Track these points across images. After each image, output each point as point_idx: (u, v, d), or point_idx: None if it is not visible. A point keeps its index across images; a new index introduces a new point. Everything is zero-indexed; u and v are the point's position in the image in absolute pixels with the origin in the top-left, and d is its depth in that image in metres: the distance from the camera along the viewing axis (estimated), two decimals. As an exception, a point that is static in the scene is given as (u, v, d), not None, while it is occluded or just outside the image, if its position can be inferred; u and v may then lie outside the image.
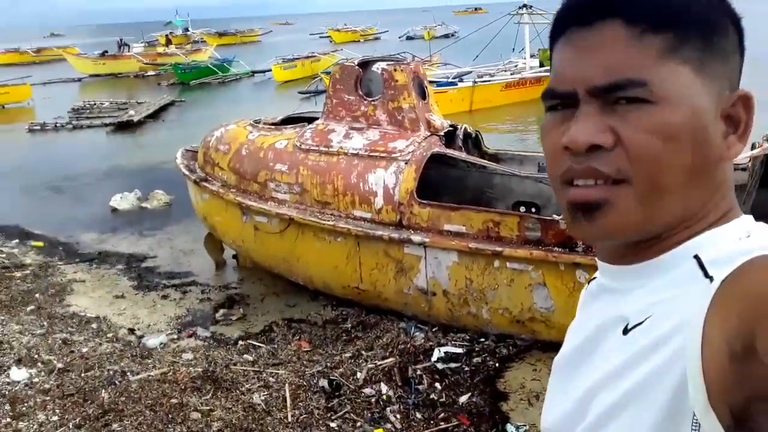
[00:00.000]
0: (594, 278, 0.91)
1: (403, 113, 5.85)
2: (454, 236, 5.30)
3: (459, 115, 15.10)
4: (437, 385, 4.99)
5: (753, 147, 5.92)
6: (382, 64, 5.96)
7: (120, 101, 22.57)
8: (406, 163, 5.55)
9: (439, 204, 5.42)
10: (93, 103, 22.23)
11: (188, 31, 52.09)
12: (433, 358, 5.30)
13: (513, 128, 16.34)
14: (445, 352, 5.38)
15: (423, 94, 6.06)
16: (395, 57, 6.60)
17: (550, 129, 0.81)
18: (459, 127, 6.42)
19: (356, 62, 6.16)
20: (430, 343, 5.49)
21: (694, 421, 0.67)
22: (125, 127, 18.34)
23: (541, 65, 20.27)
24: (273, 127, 6.60)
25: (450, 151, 5.89)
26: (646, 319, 0.75)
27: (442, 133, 5.96)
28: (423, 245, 5.36)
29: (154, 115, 20.02)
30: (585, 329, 0.86)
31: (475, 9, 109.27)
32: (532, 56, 20.58)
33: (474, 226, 5.23)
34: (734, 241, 0.75)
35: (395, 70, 5.86)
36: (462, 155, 6.06)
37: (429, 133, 5.83)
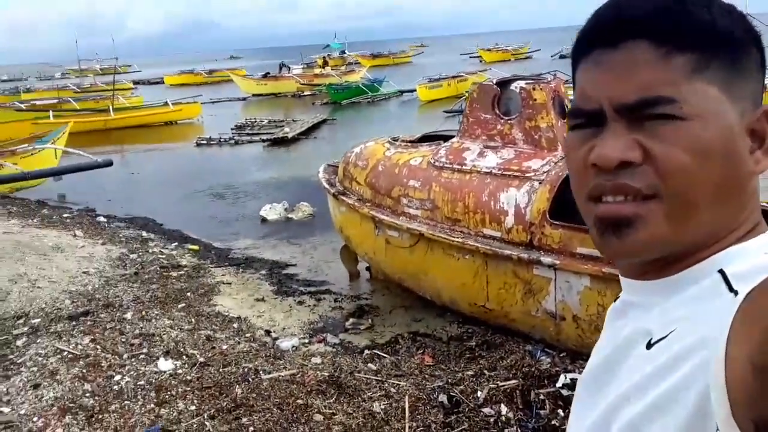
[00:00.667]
0: (619, 296, 0.91)
1: (541, 132, 5.77)
2: (586, 260, 5.12)
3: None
4: (560, 411, 4.83)
5: None
6: (521, 83, 5.92)
7: (278, 119, 24.03)
8: (540, 183, 5.46)
9: (572, 225, 5.27)
10: (254, 120, 23.85)
11: (344, 53, 54.46)
12: (559, 384, 5.13)
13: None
14: (571, 379, 5.19)
15: (563, 113, 5.94)
16: (537, 76, 6.52)
17: (575, 147, 0.82)
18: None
19: (495, 81, 6.16)
20: (557, 369, 5.32)
21: None
22: (280, 142, 19.48)
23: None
24: (410, 144, 6.75)
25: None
26: (669, 334, 0.75)
27: (579, 154, 5.80)
28: (553, 267, 5.23)
29: (307, 132, 21.09)
30: (610, 345, 0.87)
31: None
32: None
33: (607, 250, 5.03)
34: (761, 255, 0.74)
35: (534, 89, 5.80)
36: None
37: (566, 153, 5.69)
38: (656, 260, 0.80)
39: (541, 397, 5.00)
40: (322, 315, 6.88)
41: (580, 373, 5.05)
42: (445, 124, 17.49)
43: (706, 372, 0.67)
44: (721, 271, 0.74)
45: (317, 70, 40.96)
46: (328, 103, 30.37)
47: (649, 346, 0.77)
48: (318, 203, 10.83)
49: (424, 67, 50.08)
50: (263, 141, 20.03)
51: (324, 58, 47.64)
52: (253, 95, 37.55)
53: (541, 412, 4.86)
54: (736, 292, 0.69)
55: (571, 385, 5.12)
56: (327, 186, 7.23)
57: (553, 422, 4.71)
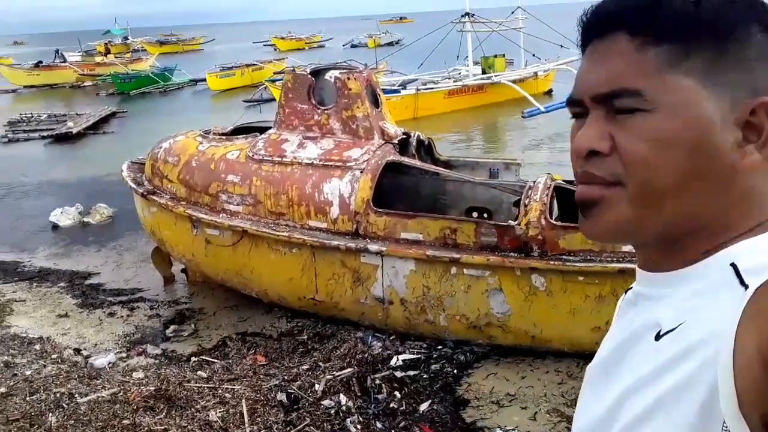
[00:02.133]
0: (631, 287, 0.91)
1: (357, 122, 5.82)
2: (411, 244, 5.28)
3: (404, 122, 15.15)
4: (397, 393, 4.96)
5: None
6: (335, 73, 5.92)
7: (58, 113, 21.84)
8: (361, 172, 5.51)
9: (395, 212, 5.40)
10: (30, 115, 21.42)
11: (128, 39, 50.95)
12: (390, 366, 5.26)
13: (457, 135, 16.52)
14: (403, 360, 5.35)
15: (376, 103, 6.04)
16: (347, 65, 6.56)
17: (572, 134, 0.84)
18: (412, 134, 6.42)
19: (308, 71, 6.09)
20: (388, 352, 5.45)
21: (724, 427, 0.67)
22: (64, 139, 17.75)
23: (483, 72, 20.62)
24: (224, 137, 6.46)
25: (405, 159, 5.88)
26: (678, 326, 0.75)
27: (396, 141, 5.95)
28: (380, 254, 5.33)
29: (95, 127, 19.44)
30: (619, 336, 0.86)
31: (400, 18, 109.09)
32: (475, 63, 20.89)
33: (431, 233, 5.23)
34: None
35: (348, 78, 5.83)
36: (417, 163, 6.06)
37: (383, 142, 5.81)
38: (661, 251, 0.81)
39: (377, 381, 5.09)
40: (138, 325, 6.39)
41: (410, 353, 5.23)
42: (247, 114, 17.10)
43: (714, 365, 0.67)
44: (733, 265, 0.74)
45: (99, 59, 37.86)
46: (114, 93, 28.26)
47: (658, 337, 0.77)
48: (117, 204, 10.03)
49: (216, 55, 48.54)
50: (44, 138, 18.11)
51: (106, 45, 44.20)
52: (25, 87, 33.76)
53: (379, 396, 4.95)
54: (747, 286, 0.69)
55: (404, 366, 5.28)
56: (134, 185, 6.69)
57: (391, 405, 4.82)
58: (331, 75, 5.94)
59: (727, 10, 0.76)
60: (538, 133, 15.91)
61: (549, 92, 21.28)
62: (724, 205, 0.78)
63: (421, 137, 6.56)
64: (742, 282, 0.71)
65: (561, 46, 20.84)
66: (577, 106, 0.83)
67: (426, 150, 6.64)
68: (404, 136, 6.23)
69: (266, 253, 5.79)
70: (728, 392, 0.65)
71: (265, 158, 5.87)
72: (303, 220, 5.62)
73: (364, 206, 5.40)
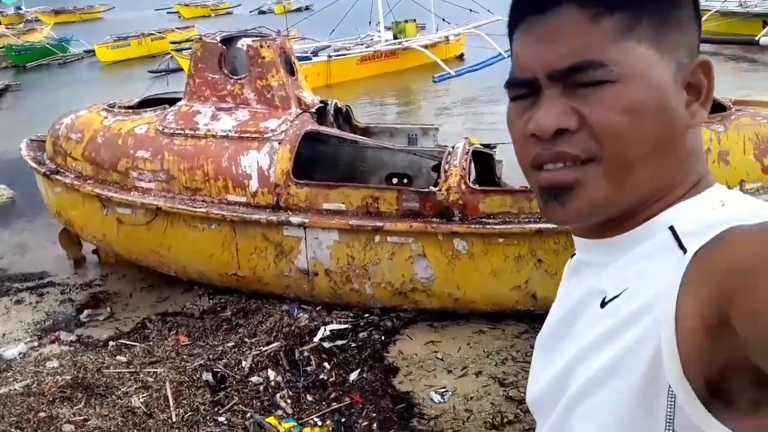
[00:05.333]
0: (574, 254, 0.91)
1: (273, 91, 5.65)
2: (333, 215, 5.22)
3: (317, 89, 14.91)
4: (326, 365, 4.94)
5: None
6: (247, 40, 5.70)
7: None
8: (279, 143, 5.37)
9: (316, 183, 5.31)
10: None
11: (20, 9, 47.63)
12: (317, 338, 5.23)
13: (371, 101, 16.44)
14: (330, 331, 5.33)
15: (291, 71, 5.88)
16: (259, 32, 6.33)
17: (515, 118, 0.81)
18: (329, 102, 6.31)
19: (218, 38, 5.85)
20: (315, 323, 5.42)
21: (670, 392, 0.67)
22: (-47, 117, 16.50)
23: (395, 38, 20.55)
24: (131, 111, 6.14)
25: (323, 129, 5.78)
26: (622, 292, 0.75)
27: (313, 110, 5.83)
28: (302, 226, 5.24)
29: (-13, 103, 18.17)
30: (565, 304, 0.87)
31: None
32: (386, 29, 20.77)
33: (353, 203, 5.18)
34: (708, 211, 0.75)
35: (261, 46, 5.63)
36: (335, 132, 5.97)
37: (300, 111, 5.67)
38: (607, 220, 0.80)
39: (306, 353, 5.05)
40: (49, 312, 6.05)
41: (337, 323, 5.20)
42: (155, 86, 16.38)
43: (658, 331, 0.67)
44: (672, 228, 0.75)
45: (-13, 30, 35.22)
46: (8, 67, 26.43)
47: (603, 304, 0.77)
48: (19, 184, 9.41)
49: (116, 23, 46.09)
50: (-71, 116, 16.77)
51: (-7, 15, 41.20)
52: None
53: (308, 368, 4.92)
54: (685, 250, 0.70)
55: (332, 336, 5.26)
56: (34, 165, 6.27)
57: (321, 376, 4.80)
58: (242, 43, 5.72)
59: None
60: (450, 97, 16.05)
61: (461, 56, 21.44)
62: (676, 166, 0.79)
63: (339, 105, 6.46)
64: (681, 245, 0.71)
65: (470, 10, 21.05)
66: (522, 87, 0.80)
67: (344, 118, 6.55)
68: (321, 105, 6.12)
69: (183, 230, 5.58)
70: (671, 357, 0.65)
71: (176, 132, 5.62)
72: (221, 194, 5.44)
73: (284, 178, 5.28)
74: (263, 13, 50.16)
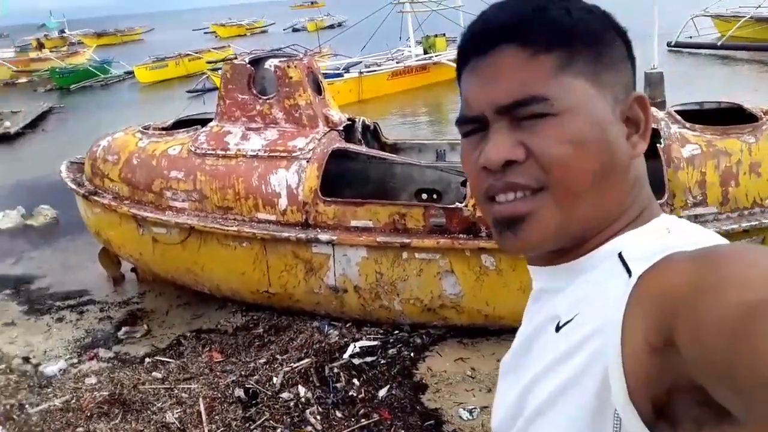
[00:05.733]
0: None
1: (300, 110, 5.75)
2: (361, 232, 5.27)
3: (349, 106, 15.10)
4: (355, 381, 4.97)
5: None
6: (275, 61, 5.83)
7: (-9, 112, 20.99)
8: (307, 162, 5.46)
9: (344, 200, 5.38)
10: (-40, 115, 20.55)
11: (64, 33, 49.24)
12: (347, 354, 5.27)
13: (402, 116, 16.52)
14: (360, 347, 5.37)
15: (318, 89, 5.98)
16: (287, 52, 6.46)
17: (468, 153, 0.86)
18: (357, 120, 6.39)
19: (247, 60, 5.99)
20: (345, 340, 5.46)
21: (616, 415, 0.69)
22: (2, 139, 17.09)
23: (425, 53, 20.64)
24: (164, 132, 6.31)
25: (351, 146, 5.85)
26: (574, 317, 0.78)
27: (341, 128, 5.92)
28: (331, 243, 5.31)
29: (32, 125, 18.78)
30: (527, 329, 0.90)
31: (312, 2, 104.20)
32: (417, 44, 20.88)
33: (380, 219, 5.23)
34: (655, 238, 0.78)
35: (288, 66, 5.75)
36: (363, 149, 6.04)
37: (328, 129, 5.76)
38: (558, 249, 0.84)
39: (335, 370, 5.10)
40: (88, 329, 6.23)
41: (367, 339, 5.24)
42: (192, 106, 16.73)
43: (604, 355, 0.69)
44: (620, 255, 0.77)
45: (33, 54, 36.49)
46: (53, 89, 27.31)
47: (557, 329, 0.80)
48: (61, 205, 9.70)
49: (155, 44, 47.27)
50: (-21, 139, 17.40)
51: (39, 39, 42.62)
52: (-46, 86, 32.34)
53: (338, 385, 4.96)
54: (631, 273, 0.72)
55: (361, 353, 5.30)
56: (74, 186, 6.49)
57: (350, 393, 4.83)
58: (270, 63, 5.85)
59: (591, 19, 0.83)
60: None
61: (493, 69, 21.39)
62: (622, 195, 0.83)
63: (367, 122, 6.54)
64: (627, 270, 0.74)
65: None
66: (471, 123, 0.85)
67: (372, 134, 6.63)
68: (349, 122, 6.20)
69: (216, 248, 5.70)
70: (617, 380, 0.67)
71: (208, 152, 5.76)
72: (251, 213, 5.55)
73: (313, 196, 5.37)
74: (297, 30, 50.93)
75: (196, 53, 28.72)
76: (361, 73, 18.04)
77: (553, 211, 0.80)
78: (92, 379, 5.18)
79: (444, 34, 21.53)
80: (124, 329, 6.11)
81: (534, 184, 0.80)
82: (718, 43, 20.55)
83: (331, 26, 45.16)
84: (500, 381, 0.95)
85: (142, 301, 6.76)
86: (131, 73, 28.73)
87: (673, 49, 21.53)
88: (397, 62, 19.75)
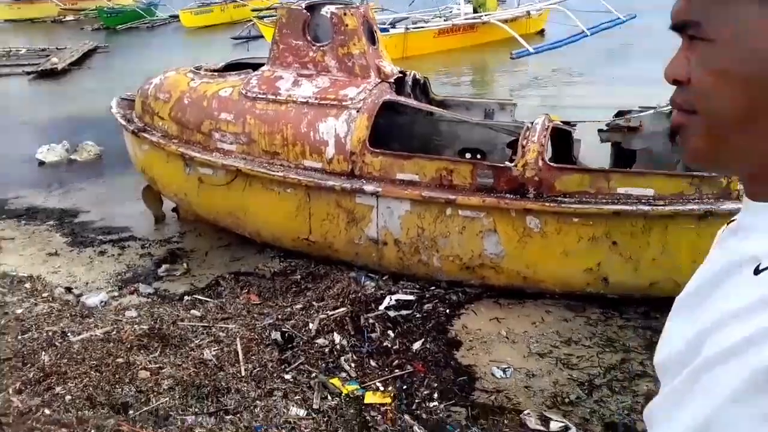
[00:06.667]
0: (734, 219, 0.87)
1: (354, 59, 5.68)
2: (406, 185, 5.23)
3: (393, 62, 14.86)
4: (390, 332, 5.00)
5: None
6: (332, 8, 5.73)
7: (39, 48, 21.25)
8: (357, 112, 5.41)
9: (391, 153, 5.33)
10: (9, 50, 20.86)
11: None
12: (383, 306, 5.29)
13: (446, 76, 16.26)
14: (396, 300, 5.38)
15: (373, 40, 5.89)
16: (342, 0, 6.35)
17: None
18: (408, 73, 6.30)
19: (303, 5, 5.90)
20: (381, 292, 5.48)
21: None
22: (48, 75, 17.31)
23: (475, 11, 20.20)
24: (216, 74, 6.29)
25: (402, 99, 5.78)
26: None
27: (392, 80, 5.83)
28: (375, 195, 5.28)
29: (78, 62, 18.98)
30: (711, 268, 0.83)
31: None
32: (466, 2, 20.43)
33: (427, 174, 5.18)
34: None
35: (345, 14, 5.65)
36: (413, 103, 5.96)
37: (379, 80, 5.69)
38: (754, 180, 0.80)
39: (371, 321, 5.12)
40: (129, 264, 6.35)
41: (403, 293, 5.23)
42: (236, 52, 16.70)
43: None
44: None
45: (80, -7, 36.67)
46: (100, 28, 27.50)
47: (756, 272, 0.72)
48: (105, 141, 9.87)
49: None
50: (27, 74, 17.65)
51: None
52: (5, 21, 32.76)
53: (372, 335, 4.99)
54: None
55: (397, 306, 5.31)
56: (124, 122, 6.54)
57: (385, 344, 4.86)
58: (326, 10, 5.75)
59: None
60: (526, 75, 15.72)
61: (541, 32, 20.92)
62: None
63: (417, 76, 6.44)
64: None
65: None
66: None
67: (422, 89, 6.53)
68: (400, 75, 6.11)
69: (260, 192, 5.72)
70: None
71: (258, 96, 5.73)
72: (298, 159, 5.54)
73: (360, 146, 5.32)
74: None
75: (242, 0, 28.58)
76: (407, 29, 17.75)
77: (702, 136, 0.79)
78: (132, 313, 5.29)
79: (496, -7, 21.05)
80: (164, 266, 6.21)
81: (685, 105, 0.80)
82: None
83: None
84: (671, 318, 0.88)
85: (182, 240, 6.85)
86: (176, 16, 28.73)
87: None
88: (444, 20, 19.38)
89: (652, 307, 5.12)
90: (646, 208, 4.73)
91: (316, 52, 5.76)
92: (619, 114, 6.16)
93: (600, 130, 6.21)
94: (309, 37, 5.79)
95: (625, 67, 15.34)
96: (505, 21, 18.86)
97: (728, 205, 4.57)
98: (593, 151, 6.17)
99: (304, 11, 5.78)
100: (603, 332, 4.93)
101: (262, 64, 6.10)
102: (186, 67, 6.57)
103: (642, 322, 5.02)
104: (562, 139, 5.73)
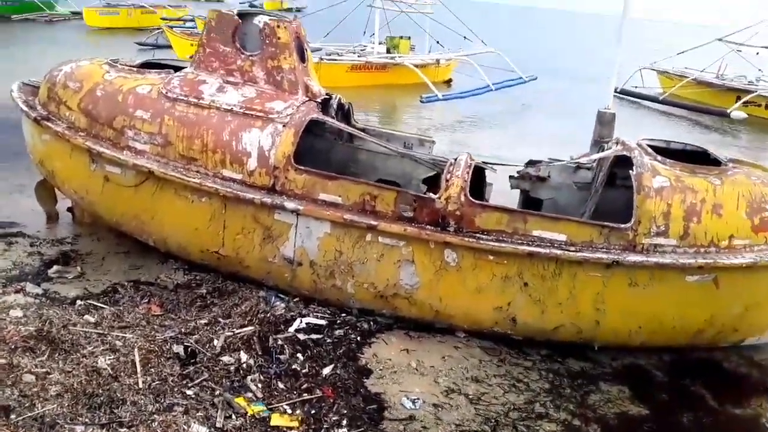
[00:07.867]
0: None
1: (283, 73, 5.59)
2: (328, 206, 5.15)
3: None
4: (299, 356, 4.85)
5: (601, 149, 6.43)
6: (265, 18, 5.63)
7: None
8: (284, 126, 5.29)
9: (316, 172, 5.24)
10: None
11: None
12: (293, 328, 5.13)
13: (357, 110, 16.35)
14: (306, 323, 5.24)
15: (303, 57, 5.83)
16: (276, 13, 6.26)
17: None
18: (334, 96, 6.27)
19: (235, 12, 5.76)
20: (291, 314, 5.32)
21: None
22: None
23: (388, 52, 20.67)
24: (134, 69, 5.98)
25: (329, 119, 5.73)
26: None
27: (319, 100, 5.78)
28: (296, 213, 5.16)
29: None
30: None
31: None
32: (380, 43, 20.89)
33: (350, 197, 5.13)
34: None
35: (278, 26, 5.57)
36: (341, 124, 5.93)
37: (307, 98, 5.62)
38: None
39: (280, 342, 4.95)
40: (16, 261, 5.81)
41: (314, 317, 5.10)
42: (140, 58, 15.99)
43: None
44: None
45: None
46: (-9, 17, 25.72)
47: None
48: (-4, 130, 9.08)
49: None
50: None
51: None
52: None
53: (281, 357, 4.82)
54: None
55: (307, 329, 5.16)
56: (26, 108, 6.04)
57: (294, 366, 4.70)
58: (259, 20, 5.64)
59: None
60: (433, 120, 16.17)
61: (448, 81, 21.66)
62: None
63: (342, 101, 6.43)
64: None
65: (465, 38, 21.31)
66: None
67: (344, 115, 6.52)
68: (327, 97, 6.07)
69: (172, 198, 5.44)
70: None
71: (180, 97, 5.49)
72: (217, 168, 5.33)
73: (285, 161, 5.20)
74: (253, 6, 49.82)
75: (151, 7, 27.75)
76: (321, 59, 17.82)
77: None
78: (18, 312, 4.84)
79: (409, 37, 21.63)
80: (55, 267, 5.74)
81: None
82: (660, 98, 21.54)
83: (290, 9, 44.46)
84: None
85: (77, 242, 6.36)
86: (79, 14, 27.40)
87: (618, 95, 22.42)
88: (358, 56, 19.66)
89: (554, 351, 5.29)
90: (558, 252, 4.90)
91: (244, 60, 5.62)
92: (530, 163, 6.41)
93: (511, 176, 6.44)
94: (238, 45, 5.65)
95: (524, 123, 16.15)
96: (416, 66, 19.39)
97: (633, 257, 4.82)
98: (502, 197, 6.31)
99: (236, 17, 5.64)
100: (509, 372, 5.02)
101: (182, 67, 5.87)
102: (101, 58, 6.20)
103: (546, 365, 5.16)
104: (474, 181, 5.87)
